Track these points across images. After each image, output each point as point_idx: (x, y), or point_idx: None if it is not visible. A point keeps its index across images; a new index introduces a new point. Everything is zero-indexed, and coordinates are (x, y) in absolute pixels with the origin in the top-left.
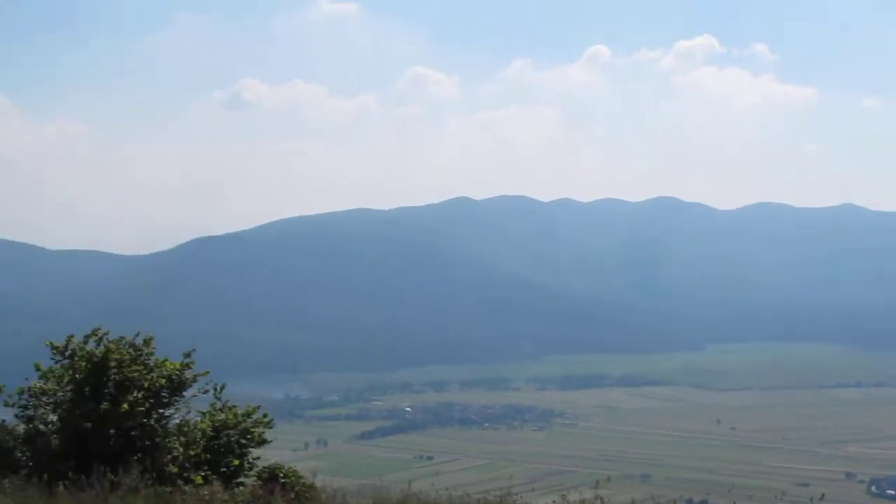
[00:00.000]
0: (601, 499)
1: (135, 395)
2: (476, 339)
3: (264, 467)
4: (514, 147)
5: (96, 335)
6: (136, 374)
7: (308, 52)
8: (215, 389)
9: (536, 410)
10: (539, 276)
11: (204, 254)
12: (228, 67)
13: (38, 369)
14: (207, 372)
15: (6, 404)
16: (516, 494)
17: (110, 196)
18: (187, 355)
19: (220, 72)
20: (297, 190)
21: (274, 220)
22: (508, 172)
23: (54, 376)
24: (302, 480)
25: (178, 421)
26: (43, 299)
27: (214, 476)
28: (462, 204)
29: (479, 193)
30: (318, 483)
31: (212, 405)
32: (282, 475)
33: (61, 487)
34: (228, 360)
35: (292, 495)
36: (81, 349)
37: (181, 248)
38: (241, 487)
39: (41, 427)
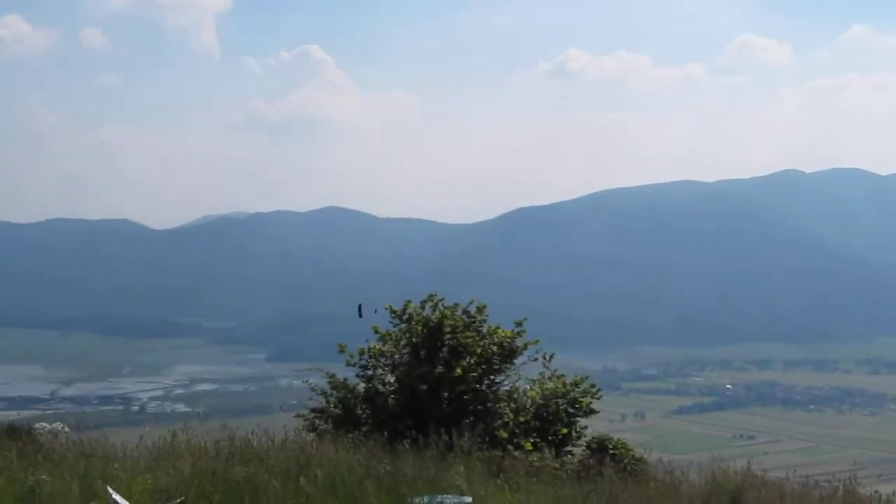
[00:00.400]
0: None
1: (468, 360)
2: (803, 316)
3: (593, 437)
4: (849, 117)
5: (432, 301)
6: (469, 339)
7: (632, 20)
8: (544, 358)
9: (867, 394)
10: (873, 252)
11: (526, 223)
12: (553, 38)
13: (377, 332)
14: (538, 340)
15: (348, 364)
16: (859, 480)
17: (436, 167)
18: (518, 324)
19: (545, 42)
20: (619, 161)
21: (595, 191)
22: (842, 144)
23: (392, 339)
24: (631, 453)
25: (508, 388)
26: (373, 265)
27: (543, 443)
28: (791, 176)
29: (810, 166)
30: (649, 457)
31: (541, 374)
32: (611, 446)
33: (401, 445)
34: (547, 329)
35: (621, 467)
36: (418, 314)
37: (504, 218)
38: (570, 456)
39: (380, 387)
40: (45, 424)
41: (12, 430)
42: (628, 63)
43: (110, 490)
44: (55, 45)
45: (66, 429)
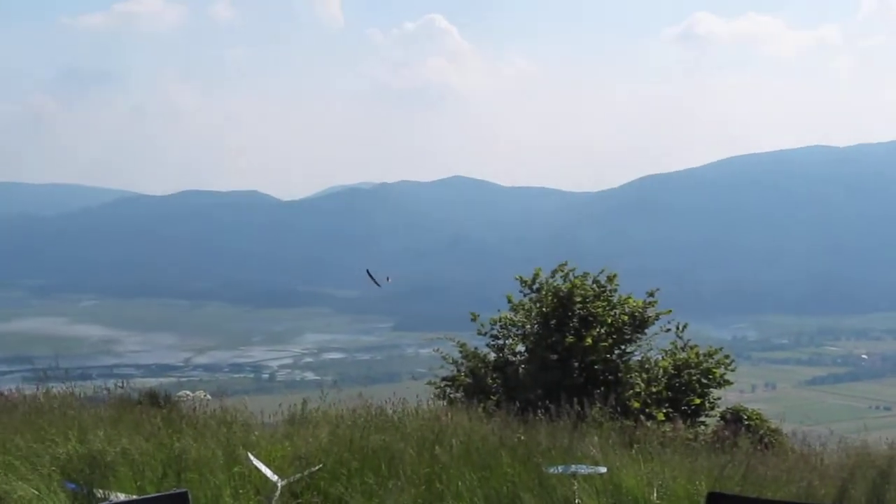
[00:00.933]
0: None
1: (598, 330)
2: None
3: (727, 408)
4: None
5: (562, 271)
6: (599, 309)
7: None
8: (677, 328)
9: None
10: None
11: (654, 191)
12: (680, 1)
13: (509, 301)
14: (670, 311)
15: (479, 333)
16: None
17: (561, 135)
18: (650, 294)
19: (673, 6)
20: (750, 125)
21: (725, 157)
22: None
23: (523, 309)
24: (767, 424)
25: (639, 358)
26: (497, 234)
27: (676, 414)
28: None
29: None
30: (784, 428)
31: (672, 343)
32: (745, 417)
33: (533, 415)
34: (675, 299)
35: (757, 438)
36: (548, 284)
37: (631, 185)
38: (703, 427)
39: (510, 356)
40: (187, 392)
41: (152, 397)
42: (759, 26)
43: (251, 457)
44: (186, 20)
45: (208, 396)
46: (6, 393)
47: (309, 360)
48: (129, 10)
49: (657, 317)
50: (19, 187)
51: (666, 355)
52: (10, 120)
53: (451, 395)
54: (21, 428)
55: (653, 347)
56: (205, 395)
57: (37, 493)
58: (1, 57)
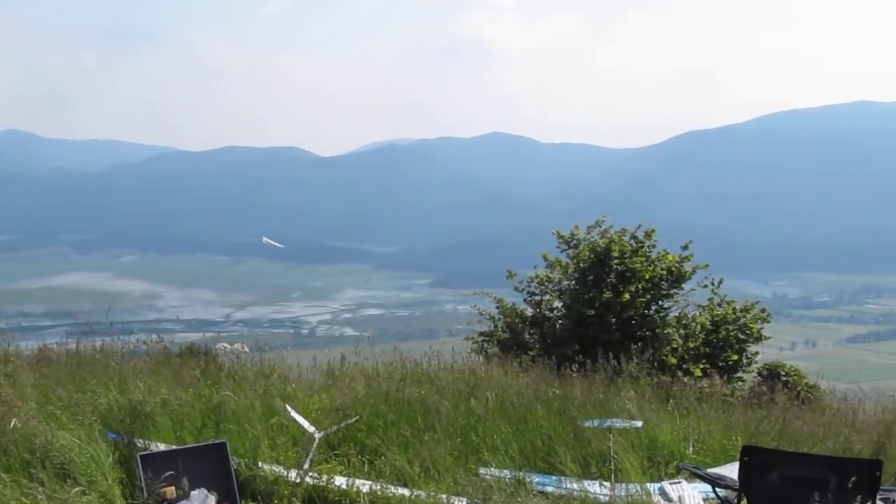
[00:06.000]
0: None
1: (636, 285)
2: None
3: (764, 364)
4: None
5: (599, 226)
6: (637, 265)
7: None
8: (713, 284)
9: None
10: None
11: (694, 148)
12: None
13: (545, 259)
14: (707, 265)
15: (516, 289)
16: None
17: (602, 91)
18: (685, 247)
19: None
20: (793, 82)
21: (766, 113)
22: None
23: (560, 266)
24: (804, 380)
25: (676, 313)
26: (536, 191)
27: (713, 369)
28: None
29: None
30: (823, 384)
31: (710, 300)
32: (783, 373)
33: (569, 370)
34: (716, 255)
35: (794, 394)
36: (586, 240)
37: (671, 142)
38: (741, 382)
39: (547, 313)
40: (226, 345)
41: (192, 351)
42: None
43: (289, 408)
44: None
45: (247, 349)
46: (51, 346)
47: (348, 315)
48: None
49: (694, 271)
50: (62, 144)
51: (703, 311)
52: (55, 76)
53: (489, 350)
54: (63, 379)
55: (690, 303)
56: (243, 348)
57: (78, 441)
58: (49, 14)
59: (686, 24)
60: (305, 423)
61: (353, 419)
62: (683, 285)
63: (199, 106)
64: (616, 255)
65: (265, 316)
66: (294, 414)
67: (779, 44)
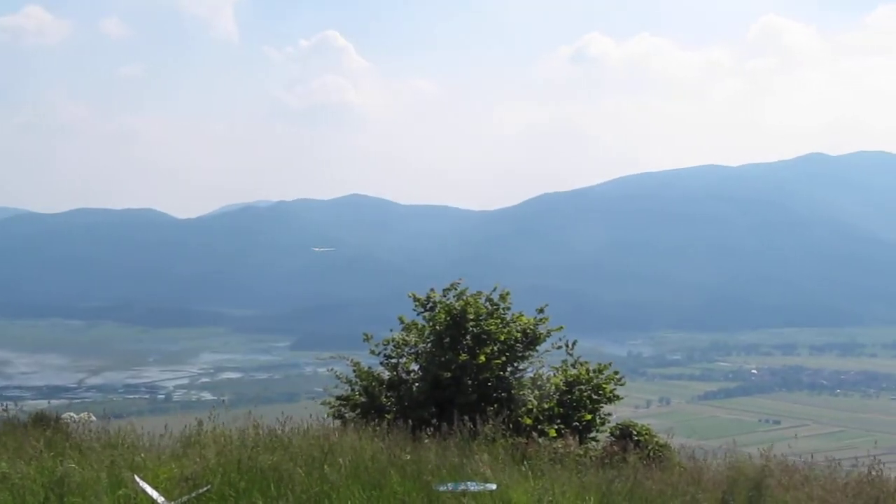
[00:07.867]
0: None
1: (491, 347)
2: (829, 300)
3: (617, 424)
4: (876, 100)
5: (455, 288)
6: (492, 327)
7: (655, 2)
8: (566, 345)
9: (894, 378)
10: None
11: (550, 208)
12: (574, 22)
13: (401, 322)
14: (562, 327)
15: (372, 353)
16: (884, 464)
17: (458, 154)
18: (540, 310)
19: (566, 27)
20: (642, 146)
21: (619, 175)
22: (869, 127)
23: (416, 328)
24: (655, 439)
25: (531, 374)
26: (395, 253)
27: (567, 430)
28: (816, 160)
29: (836, 149)
30: (673, 443)
31: (564, 361)
32: (635, 433)
33: (425, 433)
34: (571, 316)
35: (645, 453)
36: (441, 302)
37: (527, 204)
38: (594, 442)
39: (404, 375)
40: (72, 414)
41: (40, 419)
42: (651, 47)
43: (137, 479)
44: (76, 36)
45: (94, 418)
46: None
47: (206, 379)
48: (15, 23)
49: (549, 333)
50: None
51: (558, 372)
52: None
53: (346, 415)
54: None
55: (545, 364)
56: (89, 417)
57: None
58: None
59: (541, 88)
60: (155, 494)
61: (204, 488)
62: (538, 347)
63: (49, 167)
64: (472, 317)
65: (120, 381)
66: (143, 485)
67: (632, 109)
